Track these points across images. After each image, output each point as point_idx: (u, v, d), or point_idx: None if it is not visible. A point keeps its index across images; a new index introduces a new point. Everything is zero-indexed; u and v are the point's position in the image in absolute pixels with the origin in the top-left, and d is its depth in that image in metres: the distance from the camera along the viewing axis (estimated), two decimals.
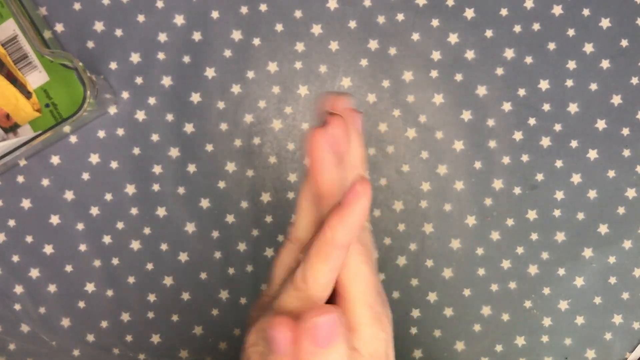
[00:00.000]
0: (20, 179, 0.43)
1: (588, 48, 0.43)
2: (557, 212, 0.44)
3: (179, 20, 0.43)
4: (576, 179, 0.44)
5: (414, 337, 0.45)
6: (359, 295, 0.25)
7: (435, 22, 0.43)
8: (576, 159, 0.44)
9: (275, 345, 0.23)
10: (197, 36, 0.43)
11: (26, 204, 0.43)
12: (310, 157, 0.24)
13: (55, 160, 0.43)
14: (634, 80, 0.43)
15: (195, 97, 0.43)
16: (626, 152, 0.44)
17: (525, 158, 0.44)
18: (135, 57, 0.43)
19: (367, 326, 0.25)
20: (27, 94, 0.40)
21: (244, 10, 0.43)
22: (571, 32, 0.43)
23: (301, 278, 0.24)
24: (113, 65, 0.43)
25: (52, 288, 0.44)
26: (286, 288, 0.25)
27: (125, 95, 0.43)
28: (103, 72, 0.43)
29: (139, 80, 0.43)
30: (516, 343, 0.45)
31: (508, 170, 0.44)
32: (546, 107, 0.44)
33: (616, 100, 0.44)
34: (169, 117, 0.43)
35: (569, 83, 0.43)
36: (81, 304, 0.44)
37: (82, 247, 0.44)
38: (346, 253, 0.24)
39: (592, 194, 0.44)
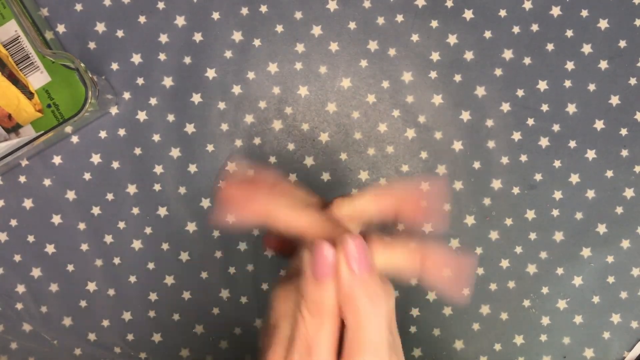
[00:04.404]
0: (22, 179, 0.43)
1: (586, 49, 0.44)
2: (555, 212, 0.44)
3: (180, 21, 0.43)
4: (574, 178, 0.44)
5: (414, 336, 0.45)
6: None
7: (434, 23, 0.43)
8: (574, 159, 0.44)
9: (319, 265, 0.24)
10: (197, 37, 0.43)
11: (28, 203, 0.44)
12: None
13: (56, 160, 0.43)
14: (632, 81, 0.44)
15: (196, 98, 0.43)
16: (624, 152, 0.44)
17: (523, 158, 0.44)
18: (136, 58, 0.43)
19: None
20: (29, 95, 0.41)
21: (244, 11, 0.43)
22: (569, 33, 0.43)
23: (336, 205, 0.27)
24: (114, 66, 0.43)
25: (53, 287, 0.44)
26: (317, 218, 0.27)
27: (126, 95, 0.43)
28: (104, 73, 0.43)
29: (140, 80, 0.43)
30: (515, 342, 0.45)
31: (507, 170, 0.44)
32: (545, 107, 0.44)
33: (614, 100, 0.44)
34: (170, 117, 0.43)
35: (568, 84, 0.44)
36: (83, 303, 0.44)
37: (84, 247, 0.44)
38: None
39: (590, 193, 0.44)
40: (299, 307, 0.24)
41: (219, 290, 0.45)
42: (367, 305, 0.24)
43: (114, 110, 0.43)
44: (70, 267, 0.44)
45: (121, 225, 0.44)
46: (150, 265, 0.44)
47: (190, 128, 0.44)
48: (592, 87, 0.44)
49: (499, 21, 0.43)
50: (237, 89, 0.44)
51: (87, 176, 0.44)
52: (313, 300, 0.24)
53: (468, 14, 0.43)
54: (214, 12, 0.43)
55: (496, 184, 0.44)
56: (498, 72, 0.44)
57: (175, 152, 0.44)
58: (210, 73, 0.43)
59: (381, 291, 0.24)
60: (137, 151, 0.44)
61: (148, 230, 0.44)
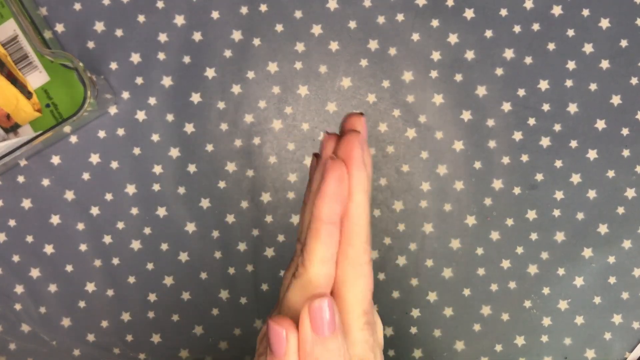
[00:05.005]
0: (21, 179, 0.43)
1: (587, 48, 0.43)
2: (556, 212, 0.44)
3: (179, 20, 0.43)
4: (576, 179, 0.44)
5: (414, 337, 0.45)
6: (356, 298, 0.25)
7: (435, 23, 0.43)
8: (576, 159, 0.44)
9: (273, 346, 0.23)
10: (197, 36, 0.43)
11: (27, 203, 0.43)
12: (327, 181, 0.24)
13: (55, 160, 0.43)
14: (634, 81, 0.43)
15: (196, 97, 0.43)
16: (625, 152, 0.44)
17: (525, 158, 0.44)
18: (135, 57, 0.43)
19: (358, 330, 0.25)
20: (28, 94, 0.40)
21: (244, 10, 0.43)
22: (571, 33, 0.43)
23: (301, 263, 0.25)
24: (113, 66, 0.43)
25: (52, 288, 0.44)
26: (290, 283, 0.25)
27: (125, 95, 0.43)
28: (103, 72, 0.43)
29: (139, 80, 0.43)
30: (516, 343, 0.45)
31: (508, 170, 0.44)
32: (546, 107, 0.44)
33: (615, 100, 0.44)
34: (169, 117, 0.43)
35: (569, 83, 0.43)
36: (82, 304, 0.44)
37: (83, 247, 0.44)
38: (337, 230, 0.25)
39: (591, 194, 0.44)
40: None
41: (218, 291, 0.44)
42: None
43: (112, 110, 0.43)
44: (69, 268, 0.44)
45: (120, 225, 0.44)
46: (150, 266, 0.44)
47: (189, 128, 0.43)
48: (593, 86, 0.44)
49: (499, 20, 0.43)
50: (236, 89, 0.43)
51: (86, 176, 0.43)
52: None
53: (469, 13, 0.43)
54: (213, 11, 0.43)
55: (497, 184, 0.44)
56: (499, 71, 0.43)
57: (174, 152, 0.43)
58: (210, 72, 0.43)
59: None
60: (136, 151, 0.43)
61: (147, 230, 0.44)
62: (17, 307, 0.44)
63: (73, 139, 0.43)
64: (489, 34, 0.43)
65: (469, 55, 0.43)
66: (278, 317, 0.23)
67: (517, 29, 0.43)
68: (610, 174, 0.44)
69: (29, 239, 0.44)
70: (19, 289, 0.44)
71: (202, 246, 0.44)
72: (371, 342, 0.26)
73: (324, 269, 0.25)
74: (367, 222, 0.25)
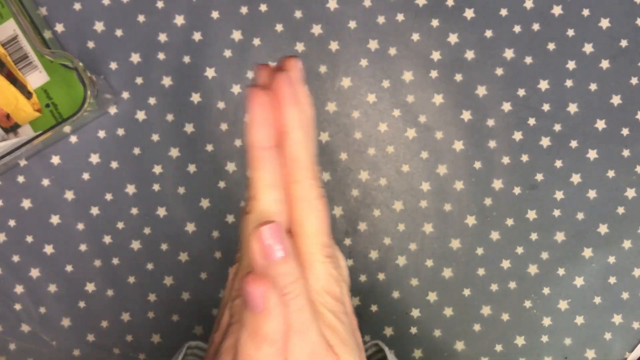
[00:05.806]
0: (21, 179, 0.43)
1: (588, 48, 0.43)
2: (556, 212, 0.44)
3: (179, 20, 0.43)
4: (576, 179, 0.44)
5: (414, 337, 0.45)
6: (312, 231, 0.25)
7: (435, 22, 0.43)
8: (576, 159, 0.44)
9: (252, 302, 0.22)
10: (197, 36, 0.43)
11: (26, 203, 0.43)
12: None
13: (55, 160, 0.43)
14: (634, 81, 0.43)
15: (196, 97, 0.43)
16: (626, 152, 0.44)
17: (525, 158, 0.44)
18: (135, 57, 0.43)
19: (320, 263, 0.25)
20: (28, 94, 0.40)
21: (244, 10, 0.43)
22: (571, 32, 0.43)
23: (251, 197, 0.25)
24: (113, 66, 0.43)
25: (52, 288, 0.44)
26: (246, 220, 0.25)
27: (125, 95, 0.43)
28: (103, 72, 0.43)
29: (139, 80, 0.43)
30: (516, 343, 0.45)
31: (508, 170, 0.44)
32: (546, 107, 0.44)
33: (616, 100, 0.44)
34: (169, 117, 0.43)
35: (569, 83, 0.43)
36: (81, 304, 0.44)
37: (83, 247, 0.44)
38: (275, 154, 0.25)
39: (591, 194, 0.44)
40: (240, 332, 0.24)
41: (218, 291, 0.44)
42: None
43: (112, 110, 0.43)
44: (69, 268, 0.44)
45: (120, 225, 0.44)
46: (150, 266, 0.44)
47: (189, 128, 0.43)
48: (593, 86, 0.44)
49: (500, 20, 0.43)
50: (236, 89, 0.43)
51: (85, 176, 0.43)
52: (253, 329, 0.23)
53: (469, 13, 0.43)
54: (213, 11, 0.43)
55: (497, 184, 0.44)
56: (499, 71, 0.43)
57: (174, 152, 0.43)
58: (210, 72, 0.43)
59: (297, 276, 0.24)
60: (136, 151, 0.43)
61: (147, 230, 0.44)
62: (17, 307, 0.44)
63: (73, 139, 0.43)
64: (489, 34, 0.43)
65: (469, 55, 0.43)
66: (251, 276, 0.23)
67: (517, 29, 0.43)
68: (611, 174, 0.44)
69: (29, 239, 0.44)
70: (19, 289, 0.44)
71: (202, 246, 0.44)
72: (335, 274, 0.26)
73: (274, 194, 0.24)
74: (309, 158, 0.25)
